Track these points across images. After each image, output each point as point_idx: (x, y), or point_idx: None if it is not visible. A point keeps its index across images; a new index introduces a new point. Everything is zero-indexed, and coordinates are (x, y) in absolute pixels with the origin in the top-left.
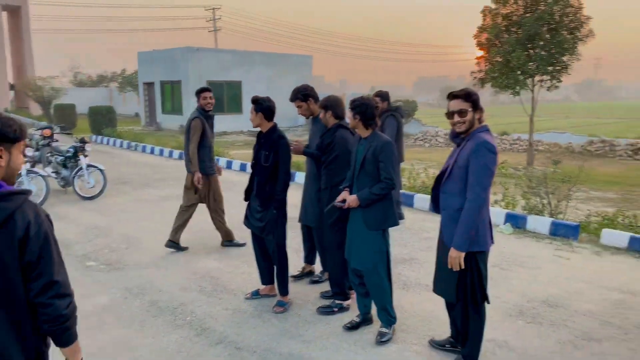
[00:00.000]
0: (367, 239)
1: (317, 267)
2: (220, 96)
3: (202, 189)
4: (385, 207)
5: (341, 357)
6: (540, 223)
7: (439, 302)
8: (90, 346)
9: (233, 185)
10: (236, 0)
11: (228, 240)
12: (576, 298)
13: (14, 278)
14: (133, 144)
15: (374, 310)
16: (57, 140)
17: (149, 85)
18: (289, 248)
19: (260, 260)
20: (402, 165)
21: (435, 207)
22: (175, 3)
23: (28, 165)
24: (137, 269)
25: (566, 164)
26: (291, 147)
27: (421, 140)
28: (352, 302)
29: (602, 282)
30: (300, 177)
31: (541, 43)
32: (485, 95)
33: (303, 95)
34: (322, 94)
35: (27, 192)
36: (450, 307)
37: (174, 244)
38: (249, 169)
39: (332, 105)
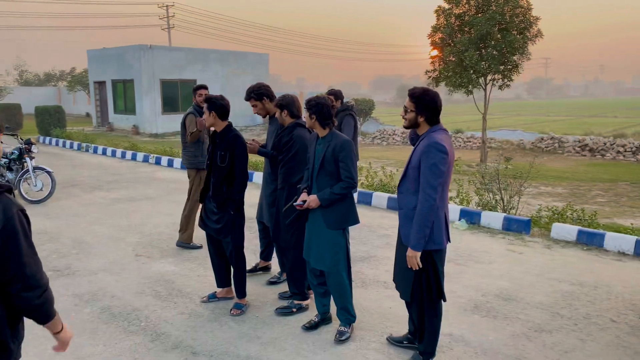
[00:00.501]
0: (327, 238)
1: (275, 266)
2: (174, 95)
3: (191, 182)
4: (346, 206)
5: (300, 358)
6: (493, 218)
7: (397, 299)
8: (37, 356)
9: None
10: None
11: (186, 242)
12: (528, 291)
13: None
14: (84, 145)
15: (332, 309)
16: (1, 142)
17: (100, 84)
18: (246, 249)
19: (216, 263)
20: (358, 163)
21: None
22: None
23: None
24: (87, 275)
25: (518, 160)
26: (250, 146)
27: (379, 139)
28: (311, 302)
29: (552, 275)
30: (257, 177)
31: (493, 43)
32: (440, 94)
33: (257, 94)
34: (279, 92)
35: (3, 187)
36: (408, 304)
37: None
38: None
39: (288, 104)
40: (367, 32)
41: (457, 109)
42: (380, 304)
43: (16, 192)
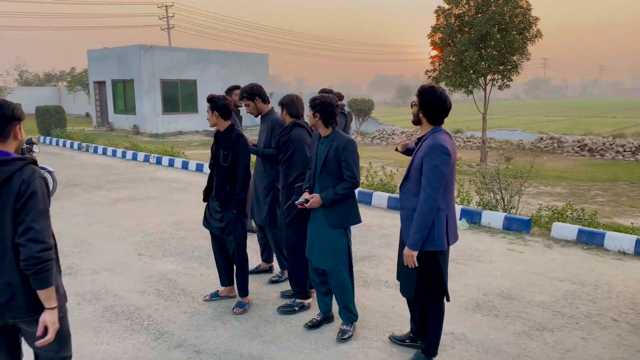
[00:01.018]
0: (329, 237)
1: (276, 265)
2: (175, 95)
3: None
4: (348, 206)
5: (302, 356)
6: (494, 218)
7: (399, 298)
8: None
9: (189, 185)
10: None
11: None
12: (529, 290)
13: (8, 223)
14: (84, 144)
15: (335, 308)
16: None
17: (100, 84)
18: (248, 248)
19: (219, 262)
20: (360, 163)
21: None
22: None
23: None
24: (90, 274)
25: (517, 160)
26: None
27: (378, 138)
28: (313, 300)
29: (553, 274)
30: None
31: (492, 43)
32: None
33: (249, 94)
34: (279, 93)
35: (28, 159)
36: (411, 303)
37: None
38: (205, 169)
39: (287, 103)
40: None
41: (456, 109)
42: (382, 303)
43: None
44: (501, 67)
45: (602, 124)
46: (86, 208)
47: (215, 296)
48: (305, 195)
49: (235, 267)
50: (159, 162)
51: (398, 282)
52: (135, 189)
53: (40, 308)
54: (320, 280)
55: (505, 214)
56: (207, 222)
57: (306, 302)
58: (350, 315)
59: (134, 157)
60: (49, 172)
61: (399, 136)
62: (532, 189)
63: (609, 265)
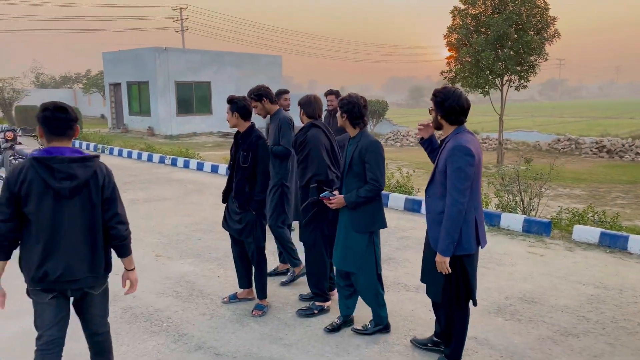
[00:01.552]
0: (353, 240)
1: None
2: (189, 97)
3: None
4: (373, 209)
5: None
6: (513, 220)
7: (419, 301)
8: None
9: (205, 187)
10: (203, 0)
11: None
12: (552, 294)
13: (97, 211)
14: (100, 146)
15: (356, 312)
16: (20, 143)
17: (115, 86)
18: (266, 250)
19: (238, 264)
20: None
21: None
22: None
23: None
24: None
25: (535, 162)
26: None
27: (392, 140)
28: (333, 303)
29: (576, 278)
30: None
31: (509, 43)
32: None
33: (256, 95)
34: (292, 95)
35: (98, 156)
36: (436, 306)
37: None
38: (220, 171)
39: (304, 104)
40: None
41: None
42: (402, 307)
43: None
44: (518, 68)
45: (619, 125)
46: None
47: (233, 298)
48: (335, 192)
49: (254, 269)
50: (174, 163)
51: (418, 285)
52: (152, 190)
53: (104, 280)
54: (344, 283)
55: (525, 216)
56: (226, 224)
57: (325, 305)
58: (377, 319)
59: (150, 159)
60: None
61: (413, 137)
62: (550, 190)
63: (633, 269)
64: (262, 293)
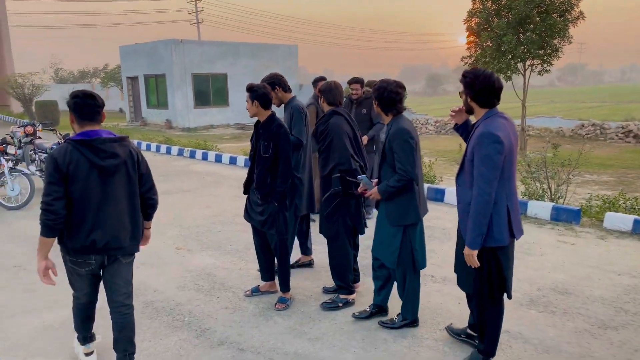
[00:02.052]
0: (387, 233)
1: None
2: (206, 89)
3: None
4: (405, 202)
5: (350, 355)
6: (541, 208)
7: (447, 293)
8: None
9: (223, 179)
10: None
11: None
12: (586, 284)
13: (135, 185)
14: None
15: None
16: (40, 138)
17: (133, 79)
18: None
19: (261, 256)
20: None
21: None
22: None
23: (10, 164)
24: None
25: (560, 148)
26: None
27: None
28: (358, 295)
29: (610, 267)
30: None
31: (532, 26)
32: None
33: (269, 83)
34: (308, 86)
35: (128, 137)
36: (469, 298)
37: None
38: (239, 162)
39: (324, 91)
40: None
41: None
42: (430, 299)
43: None
44: (541, 52)
45: None
46: None
47: (256, 291)
48: (373, 183)
49: (276, 261)
50: (192, 155)
51: (445, 277)
52: (171, 183)
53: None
54: (378, 273)
55: (553, 204)
56: (248, 216)
57: (350, 297)
58: (406, 313)
59: (168, 151)
60: (25, 174)
61: (432, 125)
62: (577, 177)
63: None
64: (285, 286)
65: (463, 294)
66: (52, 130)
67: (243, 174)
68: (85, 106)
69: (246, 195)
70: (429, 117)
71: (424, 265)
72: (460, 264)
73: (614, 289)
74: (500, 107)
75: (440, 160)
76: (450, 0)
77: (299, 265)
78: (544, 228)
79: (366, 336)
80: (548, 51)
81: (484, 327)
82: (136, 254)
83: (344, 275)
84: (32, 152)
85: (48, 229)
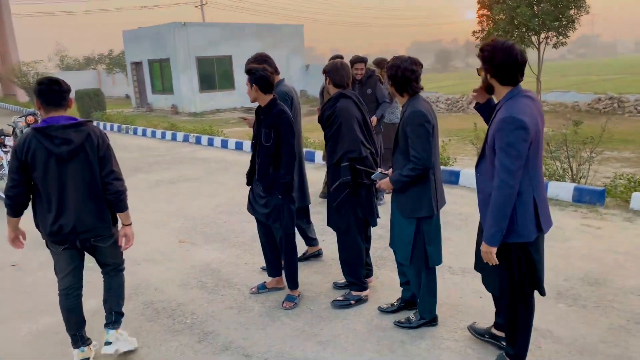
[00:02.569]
0: (400, 226)
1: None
2: (211, 72)
3: None
4: (418, 192)
5: None
6: (562, 189)
7: (467, 287)
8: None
9: (230, 165)
10: None
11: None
12: (618, 273)
13: (96, 169)
14: (124, 126)
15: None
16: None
17: (137, 64)
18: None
19: (267, 250)
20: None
21: None
22: None
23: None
24: (129, 266)
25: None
26: (246, 122)
27: None
28: (371, 291)
29: None
30: (319, 157)
31: None
32: None
33: (255, 64)
34: (315, 66)
35: (91, 121)
36: (496, 296)
37: None
38: (245, 148)
39: (330, 71)
40: None
41: None
42: (448, 294)
43: None
44: (556, 23)
45: None
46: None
47: (262, 288)
48: (388, 172)
49: (283, 256)
50: (198, 141)
51: (464, 268)
52: (176, 171)
53: (112, 229)
54: (400, 269)
55: (575, 184)
56: (252, 208)
57: (363, 294)
58: (423, 312)
59: (174, 138)
60: None
61: (443, 103)
62: (597, 155)
63: None
64: (292, 283)
65: (483, 287)
66: None
67: (249, 159)
68: (50, 92)
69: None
70: (440, 94)
71: (439, 262)
72: (482, 262)
73: None
74: (528, 81)
75: (453, 140)
76: None
77: (306, 257)
78: (567, 211)
79: (382, 338)
80: (564, 22)
81: (513, 329)
82: (133, 252)
83: (356, 271)
84: None
85: (10, 210)
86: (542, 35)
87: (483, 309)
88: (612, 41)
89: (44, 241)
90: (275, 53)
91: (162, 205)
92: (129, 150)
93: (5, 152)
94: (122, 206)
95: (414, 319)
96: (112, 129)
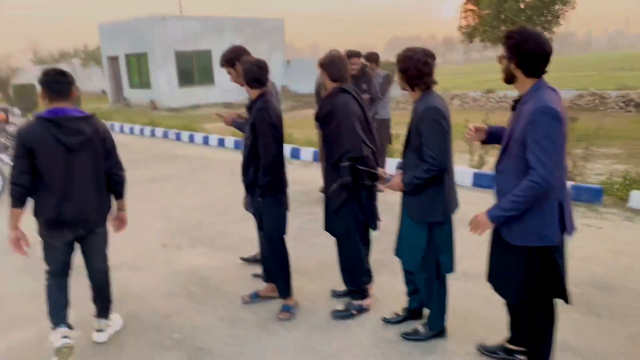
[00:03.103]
0: (409, 231)
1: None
2: (190, 67)
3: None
4: (431, 195)
5: None
6: None
7: (474, 294)
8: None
9: (213, 163)
10: None
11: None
12: (628, 277)
13: (100, 161)
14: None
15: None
16: (13, 124)
17: (114, 59)
18: (245, 238)
19: (263, 252)
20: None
21: None
22: None
23: None
24: None
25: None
26: (222, 118)
27: (404, 103)
28: (372, 300)
29: None
30: (306, 154)
31: None
32: (474, 50)
33: (228, 60)
34: (295, 61)
35: (95, 115)
36: (511, 307)
37: None
38: (227, 144)
39: (327, 64)
40: None
41: (481, 68)
42: (455, 302)
43: None
44: (542, 19)
45: (636, 77)
46: None
47: (255, 297)
48: (396, 175)
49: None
50: (178, 138)
51: (468, 272)
52: (157, 169)
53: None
54: (407, 277)
55: (572, 182)
56: (247, 205)
57: (365, 303)
58: (432, 323)
59: (153, 134)
60: None
61: None
62: (581, 151)
63: None
64: (283, 291)
65: (491, 293)
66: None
67: (233, 157)
68: (57, 83)
69: None
70: None
71: (451, 270)
72: (500, 268)
73: None
74: (484, 78)
75: None
76: None
77: (256, 259)
78: None
79: (387, 351)
80: (549, 18)
81: (534, 342)
82: (112, 258)
83: (357, 279)
84: (5, 139)
85: (15, 200)
86: None
87: (493, 318)
88: (586, 38)
89: (39, 235)
90: (256, 48)
91: (143, 206)
92: None
93: None
94: (122, 193)
95: (422, 331)
96: None
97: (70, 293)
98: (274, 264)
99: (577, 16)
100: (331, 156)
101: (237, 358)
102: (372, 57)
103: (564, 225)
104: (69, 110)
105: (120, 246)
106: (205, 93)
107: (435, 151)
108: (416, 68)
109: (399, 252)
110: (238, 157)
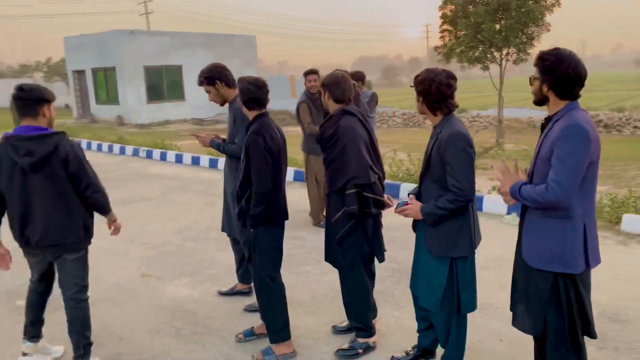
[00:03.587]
0: (428, 267)
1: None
2: (160, 83)
3: (304, 165)
4: (455, 228)
5: None
6: None
7: (482, 328)
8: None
9: (188, 183)
10: None
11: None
12: (637, 307)
13: (65, 183)
14: None
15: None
16: None
17: (79, 73)
18: (222, 267)
19: None
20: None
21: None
22: None
23: None
24: None
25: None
26: (198, 139)
27: (378, 121)
28: (377, 335)
29: None
30: (299, 175)
31: (513, 13)
32: (453, 70)
33: (207, 77)
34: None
35: (63, 133)
36: (539, 343)
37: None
38: (202, 163)
39: (330, 84)
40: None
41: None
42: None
43: None
44: (517, 40)
45: (596, 98)
46: None
47: (250, 335)
48: (411, 201)
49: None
50: (149, 156)
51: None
52: (129, 189)
53: (82, 244)
54: (420, 314)
55: None
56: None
57: (371, 340)
58: None
59: (122, 152)
60: None
61: (400, 117)
62: None
63: None
64: (272, 335)
65: (504, 327)
66: None
67: (208, 176)
68: (17, 99)
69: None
70: (396, 109)
71: (473, 308)
72: (522, 295)
73: None
74: (474, 97)
75: (416, 155)
76: None
77: (233, 293)
78: None
79: None
80: (523, 39)
81: None
82: (91, 285)
83: (363, 315)
84: None
85: None
86: (504, 52)
87: (505, 353)
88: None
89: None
90: (228, 64)
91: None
92: None
93: None
94: (105, 211)
95: None
96: None
97: (45, 312)
98: (261, 302)
99: (550, 37)
100: (335, 182)
101: None
102: (358, 76)
103: (587, 257)
104: (21, 129)
105: (96, 276)
106: (175, 108)
107: (462, 180)
108: (438, 90)
109: (415, 288)
110: (214, 176)
